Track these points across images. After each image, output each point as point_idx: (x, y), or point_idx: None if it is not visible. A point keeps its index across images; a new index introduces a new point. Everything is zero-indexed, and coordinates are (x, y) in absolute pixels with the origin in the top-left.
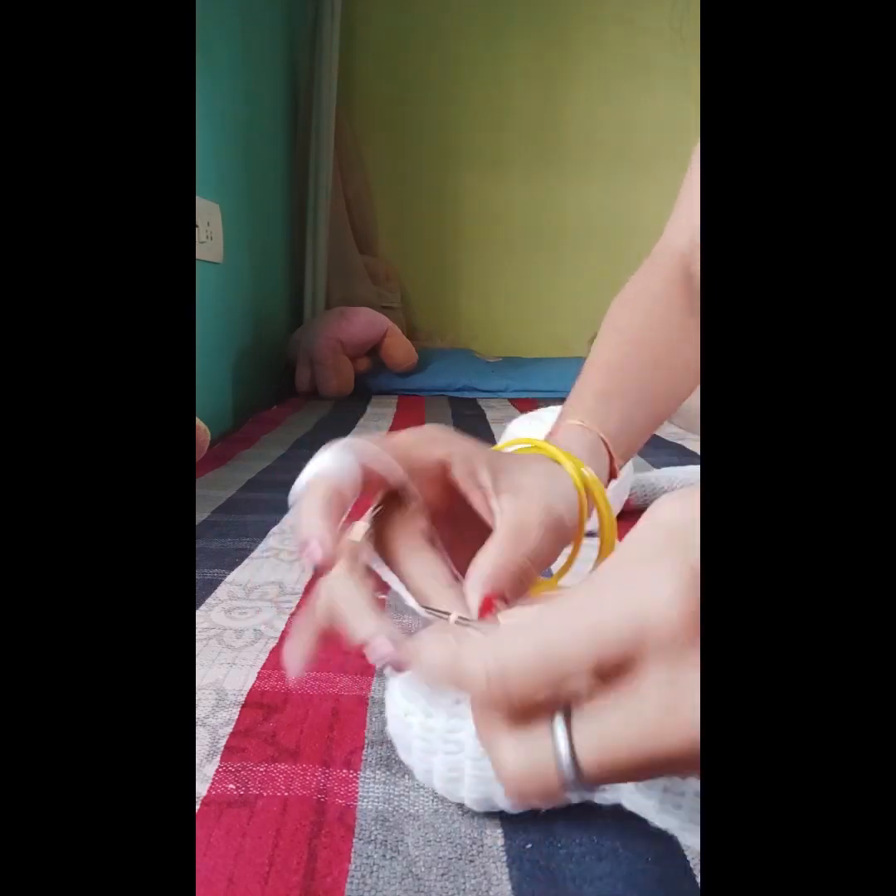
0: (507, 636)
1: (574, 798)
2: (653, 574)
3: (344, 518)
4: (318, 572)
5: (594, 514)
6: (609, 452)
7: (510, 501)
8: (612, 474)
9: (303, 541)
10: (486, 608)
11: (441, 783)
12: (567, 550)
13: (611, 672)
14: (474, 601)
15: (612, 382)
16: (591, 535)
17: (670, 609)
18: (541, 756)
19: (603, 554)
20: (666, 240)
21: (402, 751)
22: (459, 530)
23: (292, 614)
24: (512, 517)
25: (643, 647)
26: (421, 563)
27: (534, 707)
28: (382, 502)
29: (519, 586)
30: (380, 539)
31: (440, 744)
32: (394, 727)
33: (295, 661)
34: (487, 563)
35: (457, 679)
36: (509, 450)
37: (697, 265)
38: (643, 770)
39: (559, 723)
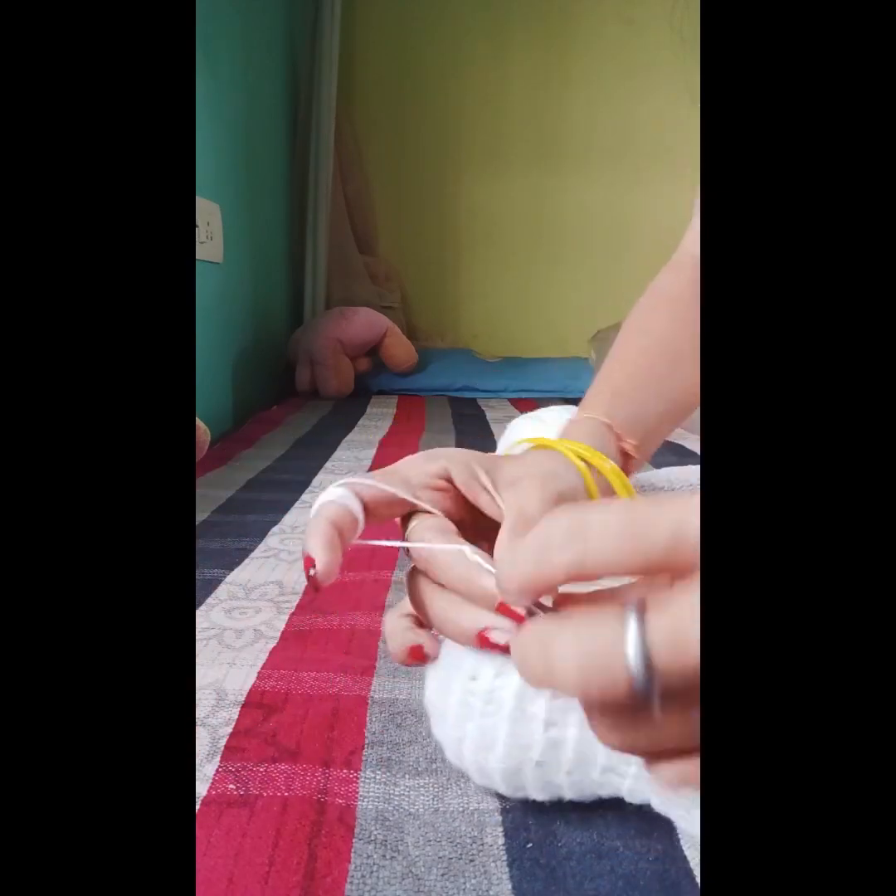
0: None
1: (642, 696)
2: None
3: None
4: (317, 587)
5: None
6: (616, 434)
7: (510, 492)
8: (625, 455)
9: (305, 559)
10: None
11: (472, 753)
12: None
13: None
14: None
15: (627, 376)
16: None
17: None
18: (604, 644)
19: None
20: (684, 247)
21: (435, 722)
22: (481, 534)
23: (292, 614)
24: (514, 504)
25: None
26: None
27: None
28: (405, 522)
29: None
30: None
31: (480, 705)
32: (431, 696)
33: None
34: (504, 548)
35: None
36: (515, 450)
37: None
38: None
39: (631, 615)
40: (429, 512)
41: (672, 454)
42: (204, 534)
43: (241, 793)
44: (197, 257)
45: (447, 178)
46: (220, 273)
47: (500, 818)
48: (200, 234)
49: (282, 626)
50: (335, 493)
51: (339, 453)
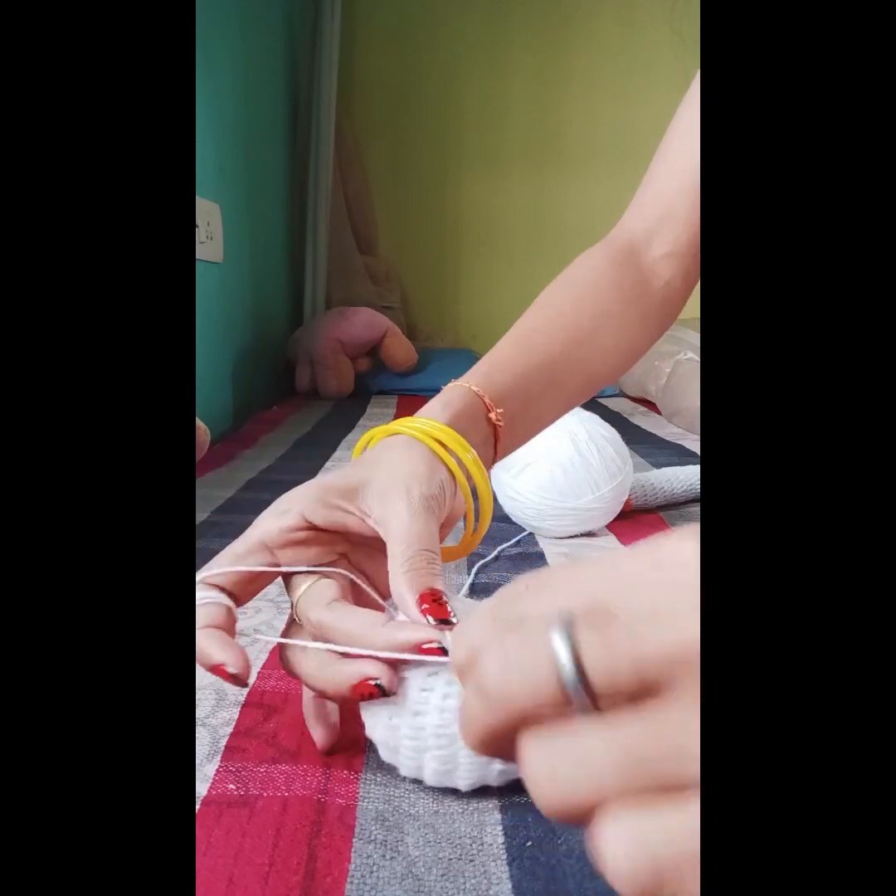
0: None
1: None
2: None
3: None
4: (245, 683)
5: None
6: (486, 404)
7: (380, 508)
8: (495, 426)
9: (214, 670)
10: (426, 605)
11: (433, 776)
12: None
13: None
14: (413, 610)
15: (510, 351)
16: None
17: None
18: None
19: (476, 500)
20: (622, 223)
21: (386, 753)
22: (366, 553)
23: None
24: (389, 523)
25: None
26: (352, 617)
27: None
28: (292, 588)
29: (434, 571)
30: (302, 620)
31: (432, 740)
32: (378, 733)
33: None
34: (397, 575)
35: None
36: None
37: (650, 252)
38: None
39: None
40: (304, 571)
41: (672, 454)
42: (204, 534)
43: (242, 793)
44: (197, 257)
45: (447, 179)
46: (220, 273)
47: (499, 817)
48: (200, 234)
49: (281, 626)
50: (198, 596)
51: (339, 453)
